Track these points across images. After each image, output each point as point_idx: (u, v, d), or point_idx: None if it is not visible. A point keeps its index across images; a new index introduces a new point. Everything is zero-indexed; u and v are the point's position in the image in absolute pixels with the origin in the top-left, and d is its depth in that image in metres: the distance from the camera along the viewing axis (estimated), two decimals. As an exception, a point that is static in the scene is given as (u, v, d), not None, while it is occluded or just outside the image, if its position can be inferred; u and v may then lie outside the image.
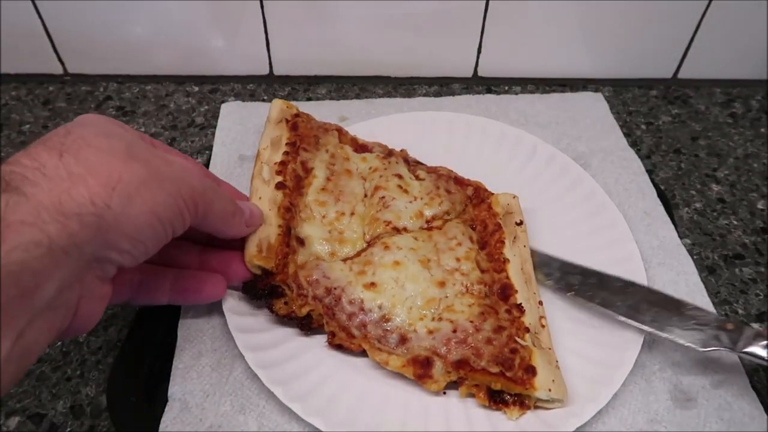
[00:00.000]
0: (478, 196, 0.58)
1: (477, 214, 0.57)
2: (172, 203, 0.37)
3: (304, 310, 0.47)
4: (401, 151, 0.61)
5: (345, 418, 0.43)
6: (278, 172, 0.53)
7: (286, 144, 0.55)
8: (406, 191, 0.56)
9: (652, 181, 0.63)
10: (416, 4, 0.73)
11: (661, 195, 0.62)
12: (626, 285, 0.50)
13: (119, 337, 0.52)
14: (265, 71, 0.79)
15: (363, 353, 0.47)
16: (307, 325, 0.48)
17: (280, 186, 0.52)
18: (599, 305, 0.49)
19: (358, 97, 0.78)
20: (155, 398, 0.46)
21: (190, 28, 0.75)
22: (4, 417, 0.46)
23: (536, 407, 0.44)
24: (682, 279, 0.53)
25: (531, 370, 0.44)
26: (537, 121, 0.69)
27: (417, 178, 0.57)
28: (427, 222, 0.54)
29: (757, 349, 0.42)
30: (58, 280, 0.31)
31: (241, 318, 0.48)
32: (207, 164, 0.63)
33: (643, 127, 0.75)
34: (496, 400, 0.44)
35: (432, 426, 0.43)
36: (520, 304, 0.49)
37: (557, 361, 0.46)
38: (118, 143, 0.36)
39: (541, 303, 0.50)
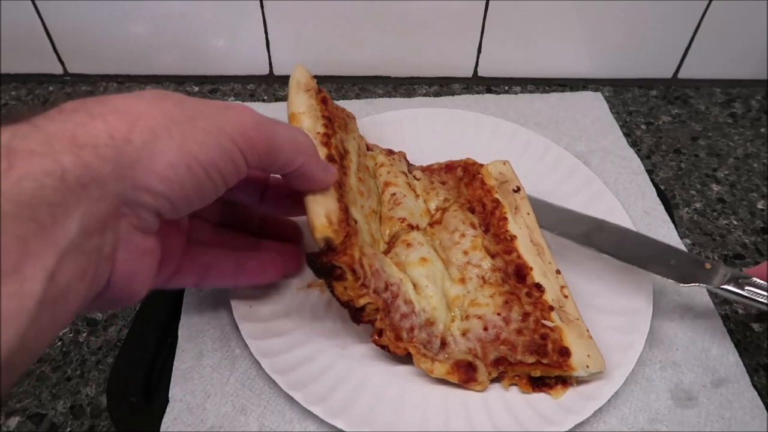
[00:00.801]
0: (469, 172, 0.56)
1: (471, 193, 0.54)
2: (213, 142, 0.33)
3: (362, 301, 0.44)
4: (399, 152, 0.61)
5: (365, 416, 0.42)
6: (325, 144, 0.47)
7: (323, 116, 0.49)
8: (413, 189, 0.56)
9: (652, 180, 0.63)
10: (416, 4, 0.73)
11: (661, 195, 0.62)
12: (605, 225, 0.53)
13: (119, 337, 0.52)
14: (265, 71, 0.79)
15: (398, 357, 0.45)
16: (358, 317, 0.45)
17: (330, 159, 0.46)
18: (584, 244, 0.50)
19: (358, 97, 0.78)
20: (155, 398, 0.46)
21: (190, 28, 0.75)
22: (4, 417, 0.46)
23: (578, 382, 0.44)
24: (682, 278, 0.54)
25: (565, 352, 0.44)
26: (536, 121, 0.69)
27: (415, 178, 0.58)
28: (431, 216, 0.54)
29: (731, 287, 0.46)
30: (79, 217, 0.28)
31: (254, 325, 0.47)
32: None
33: (643, 127, 0.75)
34: (538, 385, 0.44)
35: (453, 421, 0.43)
36: (538, 283, 0.48)
37: (588, 331, 0.46)
38: (149, 92, 0.33)
39: (559, 272, 0.49)
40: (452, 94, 0.76)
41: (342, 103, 0.72)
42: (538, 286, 0.48)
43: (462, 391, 0.45)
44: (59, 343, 0.51)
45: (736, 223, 0.63)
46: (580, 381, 0.44)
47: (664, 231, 0.57)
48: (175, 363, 0.46)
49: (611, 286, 0.51)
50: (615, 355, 0.46)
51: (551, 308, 0.46)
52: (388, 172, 0.55)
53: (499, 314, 0.45)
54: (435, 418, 0.43)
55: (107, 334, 0.52)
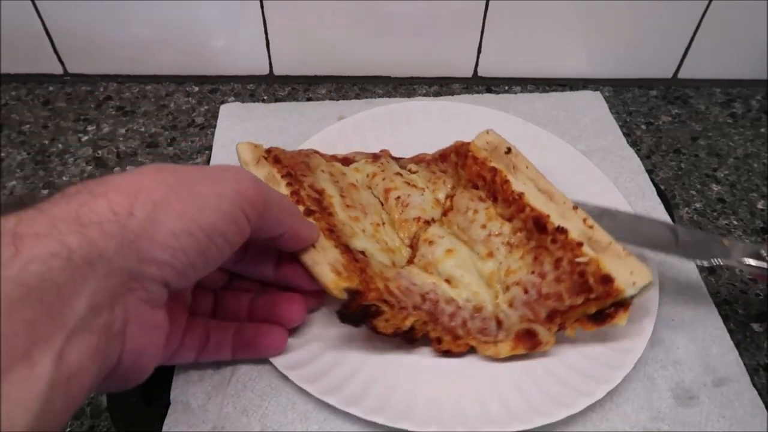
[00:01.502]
0: (461, 154, 0.56)
1: (469, 172, 0.54)
2: (212, 206, 0.33)
3: (408, 322, 0.44)
4: (382, 151, 0.61)
5: (380, 404, 0.43)
6: (297, 201, 0.48)
7: (282, 177, 0.50)
8: (414, 186, 0.56)
9: (652, 180, 0.63)
10: (416, 4, 0.73)
11: (661, 194, 0.62)
12: (617, 212, 0.52)
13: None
14: (265, 71, 0.79)
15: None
16: (411, 338, 0.45)
17: (308, 212, 0.47)
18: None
19: (358, 97, 0.78)
20: (155, 399, 0.46)
21: (190, 28, 0.75)
22: (4, 417, 0.46)
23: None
24: (682, 277, 0.53)
25: (607, 279, 0.44)
26: (536, 121, 0.69)
27: (411, 172, 0.58)
28: (442, 206, 0.55)
29: (752, 260, 0.45)
30: (87, 295, 0.28)
31: None
32: (207, 164, 0.63)
33: (643, 127, 0.75)
34: (599, 320, 0.44)
35: (467, 406, 0.43)
36: (559, 225, 0.47)
37: (624, 249, 0.45)
38: (146, 167, 0.34)
39: (576, 207, 0.49)
40: (452, 93, 0.76)
41: (342, 103, 0.73)
42: (560, 229, 0.47)
43: (476, 379, 0.45)
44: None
45: (736, 223, 0.63)
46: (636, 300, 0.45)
47: (664, 231, 0.57)
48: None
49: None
50: (616, 355, 0.46)
51: (580, 244, 0.46)
52: (384, 179, 0.56)
53: (533, 272, 0.46)
54: (449, 407, 0.43)
55: (107, 334, 0.52)
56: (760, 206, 0.65)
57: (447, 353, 0.45)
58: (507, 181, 0.52)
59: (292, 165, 0.53)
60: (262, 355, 0.45)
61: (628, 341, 0.47)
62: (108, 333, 0.30)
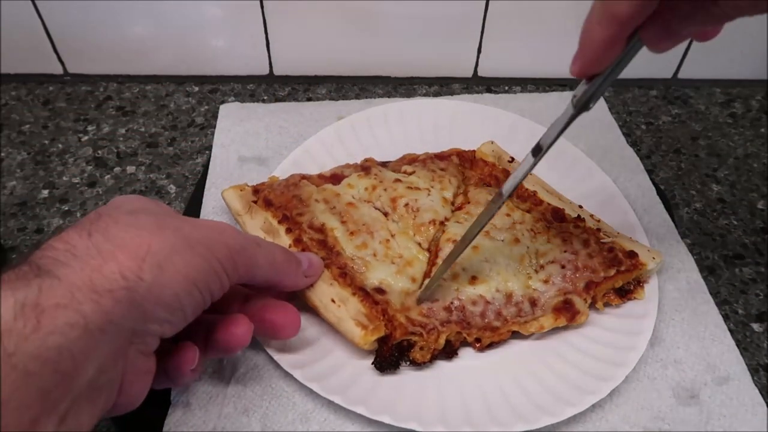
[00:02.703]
0: (465, 158, 0.61)
1: (480, 172, 0.59)
2: (207, 266, 0.36)
3: (442, 340, 0.45)
4: (368, 159, 0.60)
5: (386, 404, 0.43)
6: (302, 250, 0.49)
7: (279, 222, 0.51)
8: (417, 188, 0.56)
9: (652, 180, 0.63)
10: (416, 4, 0.73)
11: (661, 194, 0.62)
12: None
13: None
14: (265, 71, 0.79)
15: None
16: (451, 351, 0.46)
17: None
18: None
19: (358, 97, 0.78)
20: (155, 398, 0.45)
21: (190, 28, 0.75)
22: (4, 417, 0.46)
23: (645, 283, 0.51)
24: (683, 276, 0.53)
25: (633, 254, 0.50)
26: (536, 120, 0.69)
27: (407, 173, 0.58)
28: (452, 204, 0.56)
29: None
30: (97, 359, 0.30)
31: None
32: (207, 165, 0.63)
33: (643, 127, 0.75)
34: (623, 294, 0.50)
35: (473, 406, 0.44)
36: (578, 215, 0.54)
37: (630, 237, 0.53)
38: (146, 218, 0.36)
39: (581, 206, 0.56)
40: (452, 93, 0.76)
41: (341, 103, 0.73)
42: (579, 218, 0.54)
43: (480, 379, 0.45)
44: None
45: (736, 223, 0.63)
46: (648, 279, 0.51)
47: (663, 230, 0.57)
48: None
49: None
50: (618, 353, 0.46)
51: (598, 230, 0.53)
52: (386, 190, 0.55)
53: (566, 251, 0.51)
54: (453, 408, 0.44)
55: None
56: (760, 206, 0.65)
57: (490, 347, 0.47)
58: None
59: (285, 204, 0.53)
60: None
61: (629, 340, 0.47)
62: (109, 388, 0.32)
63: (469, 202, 0.55)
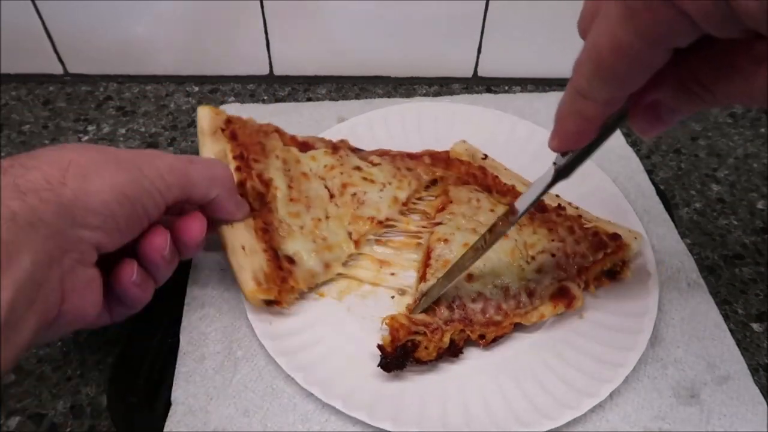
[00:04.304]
0: (440, 158, 0.61)
1: (458, 171, 0.60)
2: (134, 181, 0.38)
3: (446, 338, 0.46)
4: (342, 141, 0.61)
5: (390, 411, 0.43)
6: (241, 195, 0.49)
7: (234, 158, 0.51)
8: (372, 181, 0.56)
9: (652, 180, 0.63)
10: (416, 4, 0.73)
11: (661, 194, 0.62)
12: None
13: (119, 338, 0.52)
14: (265, 71, 0.79)
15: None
16: (455, 350, 0.47)
17: (249, 203, 0.50)
18: None
19: (358, 97, 0.78)
20: (155, 398, 0.46)
21: (190, 28, 0.75)
22: (4, 417, 0.46)
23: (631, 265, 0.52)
24: (683, 276, 0.54)
25: (616, 236, 0.51)
26: (536, 120, 0.69)
27: (372, 164, 0.58)
28: (404, 205, 0.56)
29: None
30: (31, 252, 0.32)
31: (269, 326, 0.48)
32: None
33: (643, 127, 0.75)
34: (612, 276, 0.51)
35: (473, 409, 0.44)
36: (559, 204, 0.55)
37: (609, 221, 0.54)
38: (73, 144, 0.38)
39: (558, 195, 0.57)
40: (452, 94, 0.76)
41: (341, 104, 0.73)
42: (560, 206, 0.55)
43: (481, 382, 0.46)
44: (59, 343, 0.51)
45: (736, 223, 0.63)
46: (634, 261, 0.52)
47: (663, 230, 0.57)
48: (177, 366, 0.46)
49: (618, 289, 0.52)
50: (617, 354, 0.46)
51: (579, 216, 0.54)
52: (342, 173, 0.56)
53: (553, 240, 0.51)
54: (455, 414, 0.44)
55: (107, 334, 0.52)
56: (760, 206, 0.65)
57: (495, 341, 0.48)
58: (497, 176, 0.58)
59: (248, 144, 0.54)
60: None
61: (628, 339, 0.47)
62: (48, 288, 0.33)
63: (451, 202, 0.55)
